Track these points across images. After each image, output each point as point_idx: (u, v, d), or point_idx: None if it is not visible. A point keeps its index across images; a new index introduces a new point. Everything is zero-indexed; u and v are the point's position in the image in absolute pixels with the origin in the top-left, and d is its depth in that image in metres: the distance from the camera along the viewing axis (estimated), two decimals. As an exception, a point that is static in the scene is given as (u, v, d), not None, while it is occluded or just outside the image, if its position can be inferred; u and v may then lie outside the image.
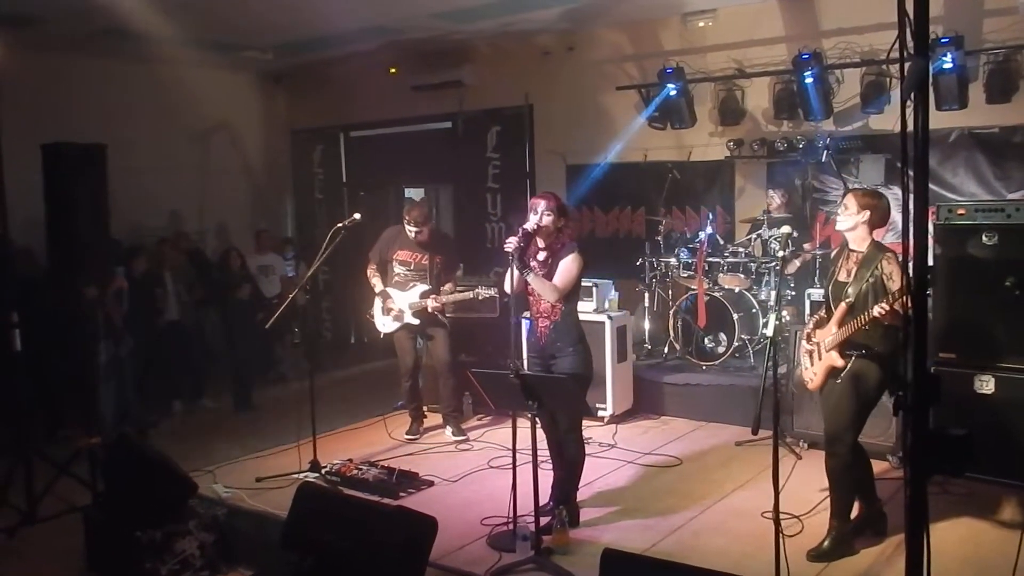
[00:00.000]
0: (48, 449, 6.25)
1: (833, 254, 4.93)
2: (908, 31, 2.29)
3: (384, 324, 6.90)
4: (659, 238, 8.50)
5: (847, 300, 4.45)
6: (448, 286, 6.78)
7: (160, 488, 5.03)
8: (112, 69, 9.71)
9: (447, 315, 7.08)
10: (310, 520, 4.16)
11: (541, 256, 5.01)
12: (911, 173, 2.41)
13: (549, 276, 4.96)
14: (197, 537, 5.00)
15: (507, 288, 5.03)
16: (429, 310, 6.70)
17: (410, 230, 6.71)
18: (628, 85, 9.22)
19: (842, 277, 4.57)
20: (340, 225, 6.13)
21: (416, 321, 6.78)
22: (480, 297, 6.64)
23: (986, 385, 5.44)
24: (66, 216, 6.17)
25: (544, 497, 4.92)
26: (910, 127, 2.34)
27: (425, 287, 6.75)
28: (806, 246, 7.77)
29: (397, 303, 6.79)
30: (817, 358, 4.67)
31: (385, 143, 11.34)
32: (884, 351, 4.43)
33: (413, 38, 9.64)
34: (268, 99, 11.97)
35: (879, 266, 4.38)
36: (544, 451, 5.03)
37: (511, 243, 4.77)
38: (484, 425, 7.33)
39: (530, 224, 4.87)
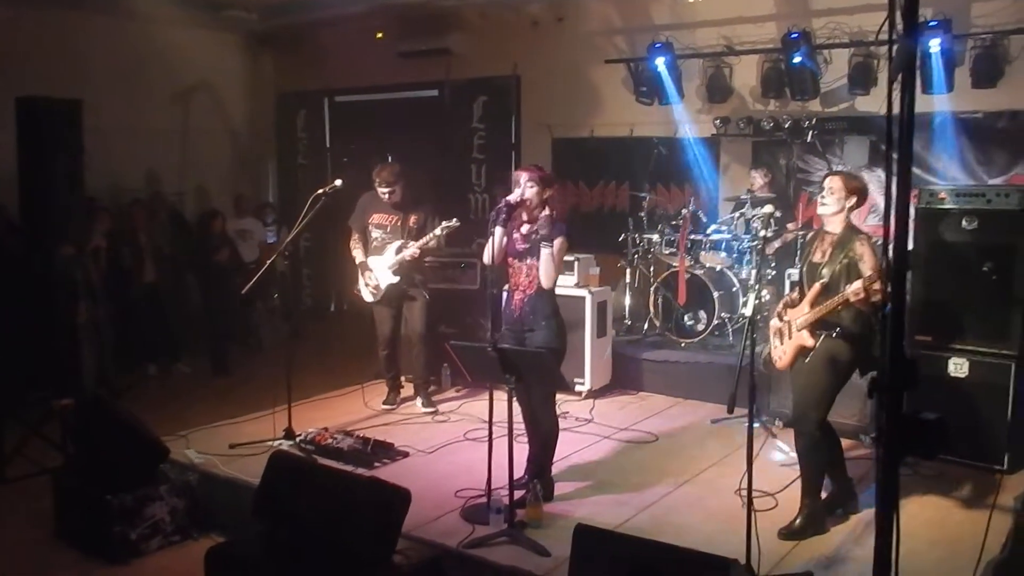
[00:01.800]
0: (19, 410, 6.18)
1: (809, 236, 4.94)
2: (897, 12, 2.26)
3: (369, 294, 6.84)
4: (643, 214, 8.48)
5: (821, 280, 4.49)
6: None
7: (132, 452, 5.01)
8: (90, 24, 9.51)
9: (429, 286, 7.04)
10: (282, 488, 4.16)
11: (524, 229, 4.98)
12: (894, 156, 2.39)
13: (532, 250, 4.94)
14: (168, 502, 5.00)
15: (487, 259, 5.00)
16: (408, 258, 6.59)
17: (382, 191, 6.64)
18: (617, 59, 9.15)
19: (816, 258, 4.61)
20: (321, 192, 6.06)
21: (397, 279, 6.69)
22: (444, 231, 6.48)
23: (960, 368, 5.48)
24: (40, 172, 6.08)
25: (519, 470, 4.92)
26: (896, 109, 2.32)
27: (399, 243, 6.68)
28: (789, 226, 7.76)
29: (376, 271, 6.73)
30: (787, 337, 4.70)
31: (370, 109, 11.25)
32: (856, 331, 4.47)
33: (401, 3, 9.51)
34: (253, 61, 11.79)
35: (852, 248, 4.43)
36: (520, 425, 5.03)
37: (498, 215, 4.73)
38: (461, 397, 7.31)
39: (513, 197, 4.84)
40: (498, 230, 4.77)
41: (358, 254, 6.82)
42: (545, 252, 4.85)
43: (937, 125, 7.49)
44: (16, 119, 6.11)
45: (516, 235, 4.99)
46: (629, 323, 8.40)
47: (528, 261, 4.97)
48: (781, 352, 4.78)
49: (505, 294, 5.19)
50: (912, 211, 5.70)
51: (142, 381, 8.32)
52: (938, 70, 7.08)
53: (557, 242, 4.88)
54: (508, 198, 4.85)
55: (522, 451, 5.09)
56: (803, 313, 4.58)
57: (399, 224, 6.74)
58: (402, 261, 6.62)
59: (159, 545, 4.96)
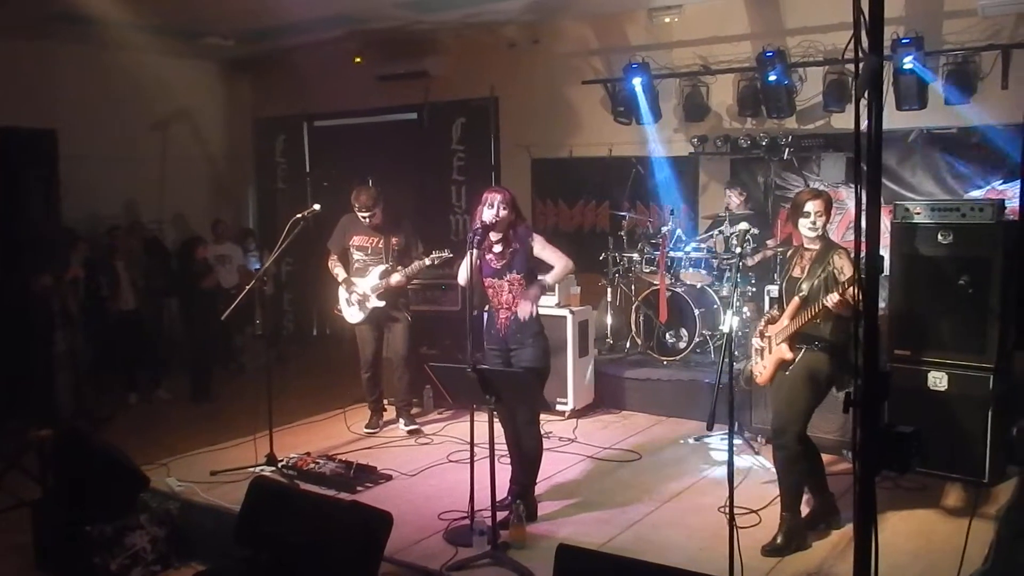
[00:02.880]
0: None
1: (789, 252, 4.99)
2: (863, 30, 2.30)
3: (352, 315, 6.83)
4: (622, 233, 8.51)
5: (800, 294, 4.54)
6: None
7: (111, 482, 4.96)
8: (68, 54, 9.50)
9: (411, 308, 7.04)
10: (263, 515, 4.12)
11: (498, 248, 5.01)
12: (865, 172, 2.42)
13: (508, 267, 5.00)
14: (148, 531, 4.95)
15: (461, 280, 5.03)
16: (392, 284, 6.60)
17: (362, 215, 6.64)
18: (594, 79, 9.22)
19: (796, 273, 4.67)
20: (299, 216, 6.07)
21: (381, 303, 6.69)
22: (436, 262, 6.51)
23: (939, 382, 5.50)
24: (15, 202, 6.05)
25: (502, 491, 4.91)
26: (864, 125, 2.35)
27: (384, 267, 6.68)
28: (768, 243, 7.81)
29: (360, 290, 6.72)
30: (768, 352, 4.73)
31: (349, 133, 11.25)
32: (835, 343, 4.52)
33: (378, 28, 9.56)
34: (231, 87, 11.81)
35: (831, 261, 4.49)
36: (503, 445, 5.02)
37: (475, 235, 4.78)
38: (444, 419, 7.29)
39: (488, 217, 4.87)
40: (474, 252, 4.79)
41: (339, 272, 6.80)
42: (549, 279, 5.09)
43: (911, 141, 7.57)
44: (-9, 150, 6.09)
45: (489, 255, 5.02)
46: (611, 342, 8.40)
47: (508, 277, 5.00)
48: (761, 368, 4.82)
49: (487, 314, 5.20)
50: (888, 226, 5.76)
51: (123, 409, 8.23)
52: (912, 86, 7.15)
53: (539, 240, 5.04)
54: (484, 219, 4.87)
55: (505, 472, 5.09)
56: (782, 327, 4.62)
57: (381, 246, 6.74)
58: (387, 286, 6.62)
59: (139, 575, 4.90)
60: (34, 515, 5.11)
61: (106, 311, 8.27)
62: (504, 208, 4.90)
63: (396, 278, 6.58)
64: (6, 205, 6.07)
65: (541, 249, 5.07)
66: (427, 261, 6.51)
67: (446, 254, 6.47)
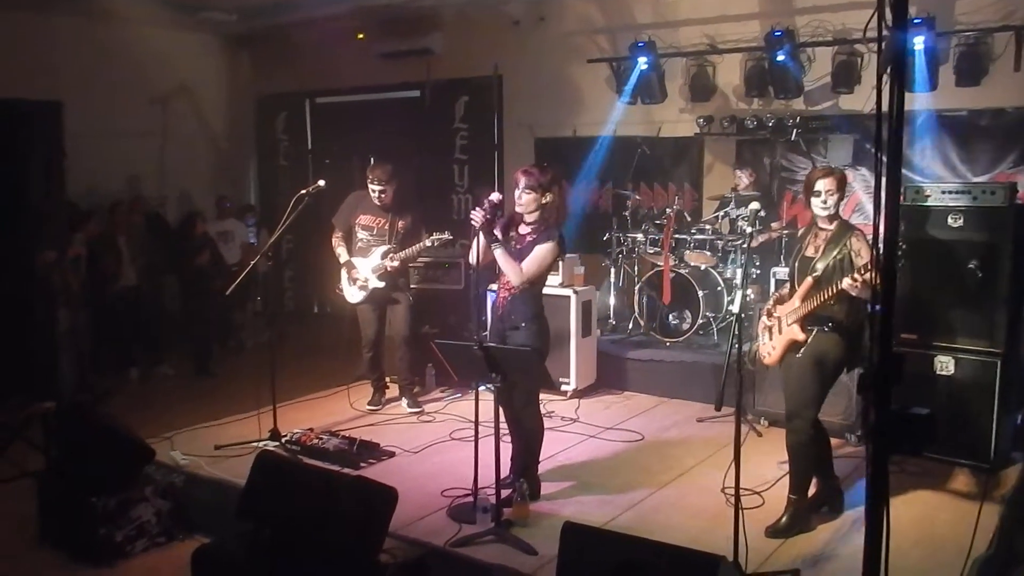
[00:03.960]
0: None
1: (801, 232, 4.95)
2: (887, 4, 2.26)
3: (352, 295, 6.81)
4: (627, 213, 8.47)
5: (814, 274, 4.49)
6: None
7: (116, 454, 4.96)
8: (67, 27, 9.36)
9: (412, 286, 7.02)
10: (268, 489, 4.12)
11: (523, 230, 4.94)
12: (883, 152, 2.39)
13: (525, 252, 4.88)
14: (153, 504, 4.96)
15: (472, 260, 4.98)
16: (388, 269, 6.60)
17: (373, 188, 6.60)
18: (599, 58, 9.15)
19: (809, 252, 4.61)
20: (303, 192, 6.03)
21: (382, 284, 6.67)
22: (435, 244, 6.49)
23: (946, 366, 5.50)
24: (18, 175, 6.00)
25: (505, 470, 4.91)
26: (885, 103, 2.32)
27: (386, 247, 6.66)
28: (773, 225, 7.77)
29: (362, 271, 6.69)
30: (777, 332, 4.70)
31: (351, 110, 11.18)
32: (848, 325, 4.48)
33: (381, 4, 9.46)
34: (232, 62, 11.71)
35: (848, 243, 4.44)
36: (505, 424, 5.01)
37: (476, 216, 4.71)
38: (447, 397, 7.29)
39: (495, 196, 4.82)
40: (481, 234, 4.74)
41: (342, 252, 6.77)
42: (497, 251, 4.83)
43: (921, 123, 7.51)
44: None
45: (514, 233, 4.98)
46: (614, 323, 8.39)
47: (518, 260, 4.95)
48: (770, 348, 4.77)
49: (492, 293, 5.17)
50: (897, 208, 5.72)
51: (125, 384, 8.23)
52: (922, 68, 7.08)
53: (543, 247, 4.84)
54: (491, 197, 4.81)
55: (508, 450, 5.08)
56: (794, 307, 4.58)
57: (386, 227, 6.71)
58: (385, 266, 6.59)
59: (144, 547, 4.91)
60: (39, 487, 5.11)
61: (107, 287, 8.24)
62: (528, 193, 4.81)
63: (392, 263, 6.56)
64: (10, 178, 6.00)
65: (536, 251, 4.84)
66: (426, 243, 6.49)
67: (446, 236, 6.44)
